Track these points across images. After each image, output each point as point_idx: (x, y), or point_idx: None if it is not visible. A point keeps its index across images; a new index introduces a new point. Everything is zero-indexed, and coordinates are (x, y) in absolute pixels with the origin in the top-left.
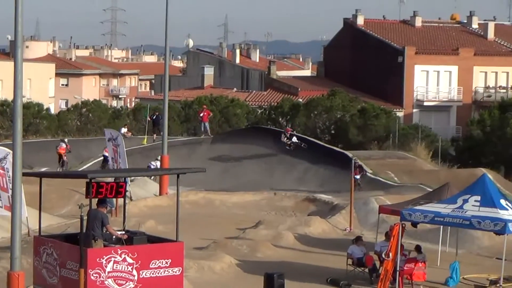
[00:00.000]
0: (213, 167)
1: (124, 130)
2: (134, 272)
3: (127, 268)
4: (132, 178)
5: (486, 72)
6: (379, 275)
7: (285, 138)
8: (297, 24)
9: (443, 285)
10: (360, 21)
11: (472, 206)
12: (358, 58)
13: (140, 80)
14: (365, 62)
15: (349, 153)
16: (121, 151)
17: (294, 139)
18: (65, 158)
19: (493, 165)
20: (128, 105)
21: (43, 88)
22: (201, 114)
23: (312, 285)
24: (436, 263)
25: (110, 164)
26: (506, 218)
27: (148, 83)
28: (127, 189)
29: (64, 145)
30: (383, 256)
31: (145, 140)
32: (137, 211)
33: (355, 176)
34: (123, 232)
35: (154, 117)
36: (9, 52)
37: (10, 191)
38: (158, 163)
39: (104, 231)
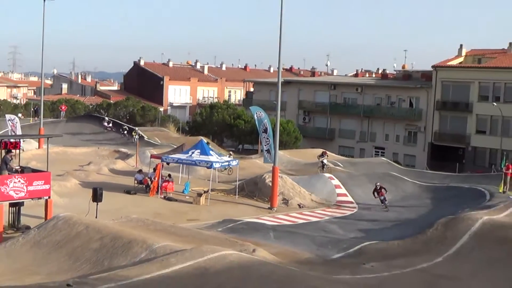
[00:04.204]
0: (67, 135)
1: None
2: (24, 187)
3: (21, 185)
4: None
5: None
6: (150, 188)
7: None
8: (112, 61)
9: (181, 193)
10: (142, 62)
11: (196, 154)
12: (141, 82)
13: None
14: (146, 84)
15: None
16: (18, 126)
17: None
18: None
19: (211, 135)
20: None
21: None
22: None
23: (116, 194)
24: (179, 182)
25: (9, 131)
26: (212, 160)
27: None
28: (22, 144)
29: None
30: (152, 179)
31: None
32: (27, 156)
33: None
34: (19, 167)
35: (36, 108)
36: None
37: None
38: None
39: (9, 167)
